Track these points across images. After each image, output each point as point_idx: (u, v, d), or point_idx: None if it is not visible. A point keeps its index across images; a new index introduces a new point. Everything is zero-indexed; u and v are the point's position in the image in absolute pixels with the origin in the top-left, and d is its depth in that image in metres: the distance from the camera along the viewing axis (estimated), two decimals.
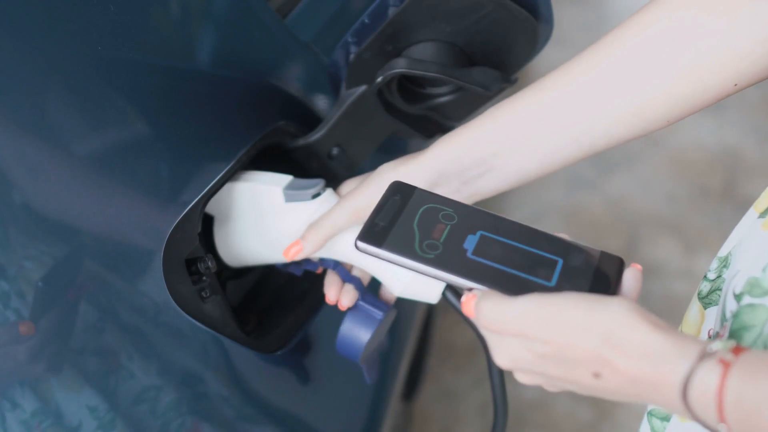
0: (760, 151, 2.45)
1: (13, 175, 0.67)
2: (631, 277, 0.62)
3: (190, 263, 0.79)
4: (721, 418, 0.52)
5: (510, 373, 0.63)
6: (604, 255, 0.64)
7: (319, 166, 0.92)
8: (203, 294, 0.79)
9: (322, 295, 0.85)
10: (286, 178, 0.85)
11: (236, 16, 0.87)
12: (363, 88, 0.88)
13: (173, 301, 0.76)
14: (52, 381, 0.69)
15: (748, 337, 0.60)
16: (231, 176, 0.83)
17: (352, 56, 0.86)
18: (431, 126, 0.94)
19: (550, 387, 0.62)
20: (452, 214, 0.66)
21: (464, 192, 0.79)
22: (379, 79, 0.85)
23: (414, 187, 0.69)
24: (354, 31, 0.85)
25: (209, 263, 0.80)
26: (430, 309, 1.50)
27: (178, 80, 0.80)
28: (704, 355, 0.53)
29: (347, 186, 0.86)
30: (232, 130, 0.84)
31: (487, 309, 0.60)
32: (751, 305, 0.61)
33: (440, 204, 0.67)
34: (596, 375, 0.57)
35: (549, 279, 0.62)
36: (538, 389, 0.65)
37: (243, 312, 0.90)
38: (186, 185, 0.78)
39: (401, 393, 1.26)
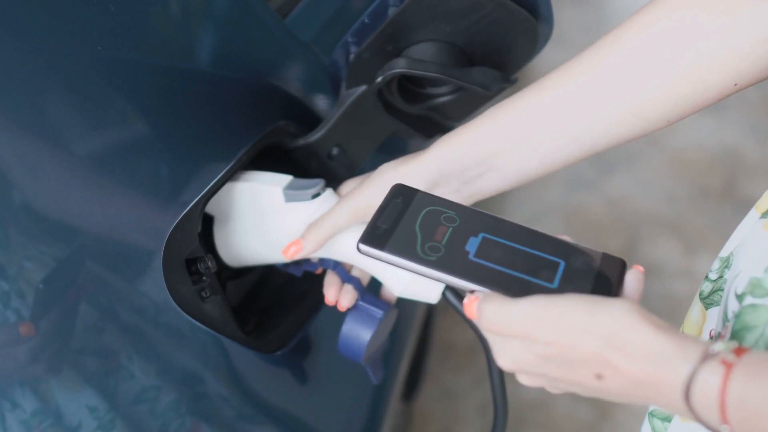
0: (760, 151, 2.45)
1: (13, 175, 0.67)
2: (633, 278, 0.62)
3: (190, 263, 0.79)
4: (724, 419, 0.52)
5: (512, 374, 0.63)
6: (606, 257, 0.64)
7: (319, 166, 0.92)
8: (203, 294, 0.79)
9: (322, 296, 0.85)
10: (286, 178, 0.85)
11: (236, 16, 0.87)
12: (363, 88, 0.88)
13: (173, 301, 0.76)
14: (52, 381, 0.69)
15: (750, 338, 0.60)
16: (231, 176, 0.83)
17: (352, 56, 0.86)
18: (431, 126, 0.94)
19: (553, 389, 0.62)
20: (454, 217, 0.66)
21: (464, 192, 0.79)
22: (379, 79, 0.85)
23: (416, 190, 0.69)
24: (354, 31, 0.85)
25: (209, 263, 0.80)
26: (430, 309, 1.50)
27: (178, 80, 0.80)
28: (706, 356, 0.53)
29: (347, 186, 0.86)
30: (232, 130, 0.84)
31: (489, 311, 0.60)
32: (753, 306, 0.61)
33: (442, 206, 0.67)
34: (599, 376, 0.57)
35: (551, 281, 0.62)
36: (539, 389, 0.65)
37: (243, 312, 0.90)
38: (186, 185, 0.78)
39: (401, 393, 1.26)
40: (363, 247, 0.65)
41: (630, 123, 0.72)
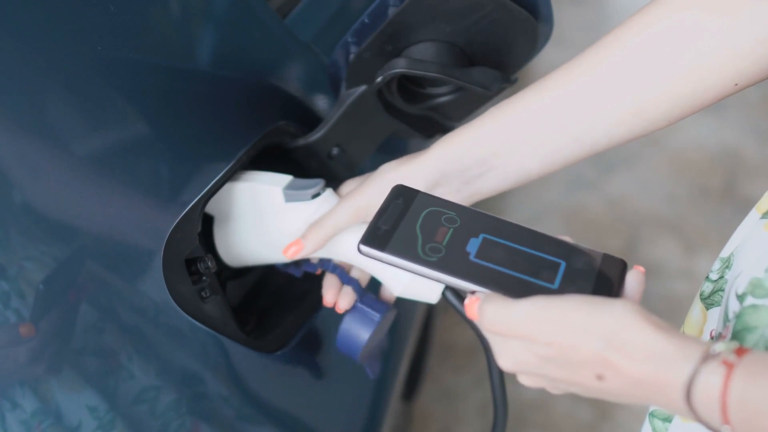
0: (760, 151, 2.45)
1: (13, 175, 0.67)
2: (633, 279, 0.62)
3: (190, 263, 0.79)
4: (725, 420, 0.52)
5: (512, 374, 0.63)
6: (607, 257, 0.64)
7: (319, 166, 0.92)
8: (203, 294, 0.79)
9: (322, 296, 0.85)
10: (286, 178, 0.85)
11: (236, 16, 0.87)
12: (363, 88, 0.88)
13: (173, 301, 0.76)
14: (52, 381, 0.69)
15: (750, 338, 0.61)
16: (231, 176, 0.83)
17: (352, 56, 0.86)
18: (431, 126, 0.94)
19: (554, 389, 0.62)
20: (455, 218, 0.66)
21: (465, 191, 0.79)
22: (379, 79, 0.85)
23: (416, 191, 0.69)
24: (354, 31, 0.85)
25: (209, 263, 0.80)
26: (430, 309, 1.50)
27: (178, 80, 0.80)
28: (707, 357, 0.53)
29: (348, 186, 0.86)
30: (232, 130, 0.84)
31: (490, 312, 0.60)
32: (753, 306, 0.61)
33: (442, 207, 0.67)
34: (599, 377, 0.57)
35: (552, 281, 0.62)
36: (539, 389, 0.65)
37: (243, 312, 0.90)
38: (186, 185, 0.78)
39: (401, 393, 1.26)
40: (363, 248, 0.65)
41: (630, 123, 0.72)
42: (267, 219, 0.85)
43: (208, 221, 0.89)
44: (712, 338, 0.69)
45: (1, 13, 0.67)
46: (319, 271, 0.89)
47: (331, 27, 0.93)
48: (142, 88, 0.76)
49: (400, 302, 0.88)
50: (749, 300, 0.62)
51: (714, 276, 0.71)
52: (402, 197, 0.68)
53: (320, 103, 0.96)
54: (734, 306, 0.64)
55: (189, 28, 0.84)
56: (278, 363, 0.88)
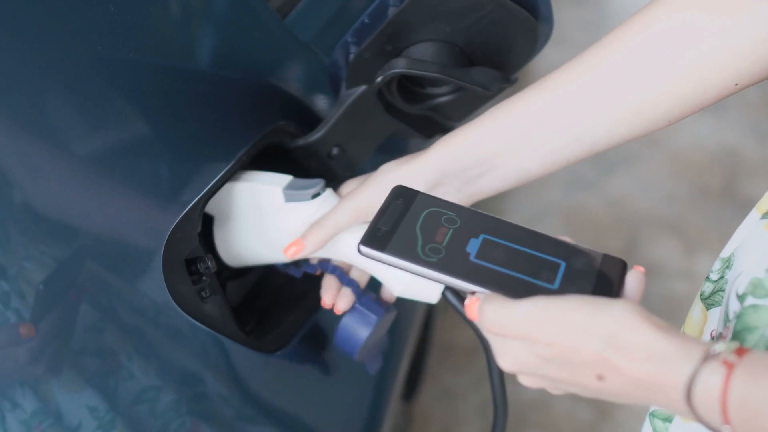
0: (760, 151, 2.45)
1: (13, 175, 0.67)
2: (633, 279, 0.62)
3: (190, 263, 0.79)
4: (725, 420, 0.52)
5: (513, 375, 0.63)
6: (607, 257, 0.64)
7: (319, 166, 0.92)
8: (203, 294, 0.79)
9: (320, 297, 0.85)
10: (286, 178, 0.85)
11: (236, 16, 0.86)
12: (363, 88, 0.88)
13: (173, 301, 0.76)
14: (52, 381, 0.69)
15: (751, 339, 0.61)
16: (231, 176, 0.83)
17: (352, 56, 0.86)
18: (431, 126, 0.94)
19: (554, 390, 0.62)
20: (455, 218, 0.66)
21: (466, 191, 0.79)
22: (379, 79, 0.85)
23: (416, 192, 0.69)
24: (354, 31, 0.85)
25: (209, 263, 0.80)
26: (430, 309, 1.50)
27: (178, 80, 0.80)
28: (708, 357, 0.53)
29: (348, 186, 0.86)
30: (232, 130, 0.84)
31: (490, 312, 0.60)
32: (754, 306, 0.61)
33: (442, 208, 0.67)
34: (600, 377, 0.57)
35: (552, 282, 0.62)
36: (539, 389, 0.65)
37: (243, 312, 0.90)
38: (186, 185, 0.78)
39: (401, 393, 1.26)
40: (363, 249, 0.65)
41: (631, 123, 0.72)
42: (267, 219, 0.85)
43: (208, 221, 0.89)
44: (712, 338, 0.69)
45: (1, 13, 0.67)
46: (318, 272, 0.89)
47: (331, 27, 0.93)
48: (142, 88, 0.76)
49: (400, 302, 0.88)
50: (750, 300, 0.62)
51: (714, 276, 0.71)
52: (402, 198, 0.68)
53: (320, 103, 0.96)
54: (735, 306, 0.64)
55: (189, 28, 0.84)
56: (278, 363, 0.88)
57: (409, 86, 0.91)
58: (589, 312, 0.57)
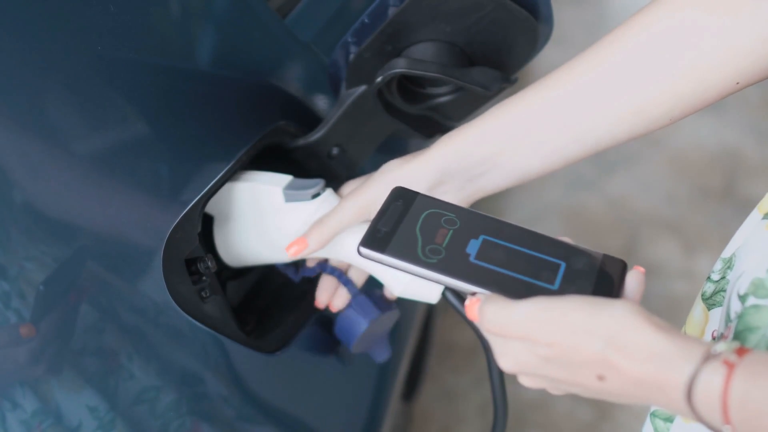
0: (760, 151, 2.45)
1: (14, 175, 0.67)
2: (633, 279, 0.62)
3: (190, 263, 0.79)
4: (726, 420, 0.52)
5: (513, 375, 0.63)
6: (607, 258, 0.64)
7: (319, 166, 0.92)
8: (203, 294, 0.79)
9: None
10: (286, 178, 0.85)
11: (236, 16, 0.86)
12: (363, 88, 0.88)
13: (173, 301, 0.76)
14: (52, 381, 0.69)
15: (752, 339, 0.61)
16: (231, 176, 0.82)
17: (352, 56, 0.86)
18: (431, 126, 0.94)
19: (554, 390, 0.62)
20: (454, 219, 0.67)
21: (467, 189, 0.79)
22: (379, 79, 0.85)
23: (416, 193, 0.69)
24: (354, 31, 0.85)
25: (209, 263, 0.80)
26: (430, 309, 1.50)
27: (178, 80, 0.80)
28: (708, 357, 0.53)
29: (349, 187, 0.87)
30: (232, 130, 0.84)
31: (490, 313, 0.60)
32: (755, 306, 0.61)
33: (442, 209, 0.67)
34: (600, 378, 0.57)
35: (552, 282, 0.62)
36: (539, 389, 0.65)
37: (243, 312, 0.90)
38: (186, 185, 0.78)
39: (401, 393, 1.26)
40: (363, 250, 0.65)
41: (632, 122, 0.72)
42: (267, 219, 0.85)
43: (208, 221, 0.89)
44: (713, 339, 0.69)
45: (1, 13, 0.67)
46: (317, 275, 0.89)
47: (331, 27, 0.93)
48: (142, 88, 0.76)
49: (400, 302, 0.88)
50: (751, 300, 0.62)
51: (716, 276, 0.71)
52: (401, 199, 0.68)
53: (320, 103, 0.96)
54: (736, 306, 0.64)
55: (189, 28, 0.84)
56: (278, 363, 0.88)
57: (409, 86, 0.91)
58: (589, 312, 0.57)
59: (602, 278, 0.62)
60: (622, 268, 0.63)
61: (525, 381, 0.63)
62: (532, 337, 0.59)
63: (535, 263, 0.63)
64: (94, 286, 0.71)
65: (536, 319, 0.58)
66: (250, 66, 0.88)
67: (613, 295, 0.61)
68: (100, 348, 0.71)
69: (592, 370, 0.57)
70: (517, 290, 0.61)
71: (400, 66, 0.84)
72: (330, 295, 0.87)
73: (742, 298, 0.63)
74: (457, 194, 0.79)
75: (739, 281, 0.64)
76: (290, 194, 0.84)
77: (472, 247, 0.64)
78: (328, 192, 0.85)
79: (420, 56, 0.85)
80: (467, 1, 0.82)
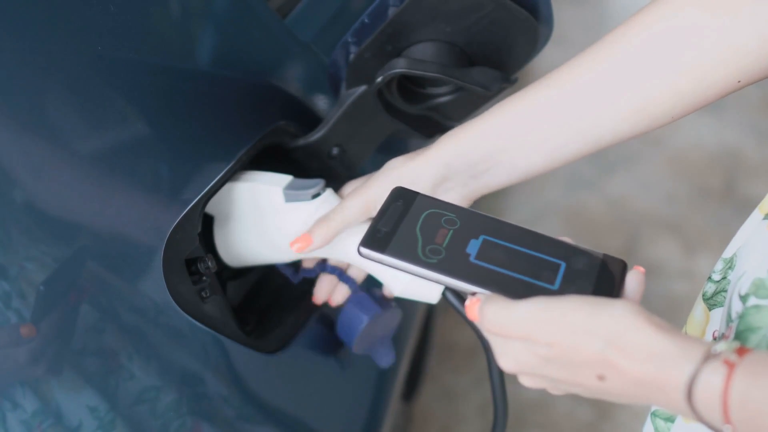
0: (760, 151, 2.45)
1: (14, 175, 0.67)
2: (634, 279, 0.62)
3: (190, 263, 0.79)
4: (726, 419, 0.52)
5: (513, 375, 0.63)
6: (607, 258, 0.64)
7: (319, 166, 0.92)
8: (203, 294, 0.79)
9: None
10: (286, 178, 0.85)
11: (236, 16, 0.86)
12: (363, 88, 0.88)
13: (173, 301, 0.76)
14: (52, 381, 0.69)
15: (753, 339, 0.61)
16: (231, 176, 0.82)
17: (352, 56, 0.86)
18: (431, 126, 0.94)
19: (555, 390, 0.62)
20: (454, 219, 0.67)
21: (471, 186, 0.79)
22: (379, 79, 0.85)
23: (416, 193, 0.69)
24: (354, 31, 0.85)
25: (209, 263, 0.80)
26: (430, 309, 1.50)
27: (178, 80, 0.80)
28: (708, 357, 0.53)
29: (350, 186, 0.87)
30: (232, 130, 0.84)
31: (490, 313, 0.60)
32: (756, 306, 0.62)
33: (442, 209, 0.68)
34: (601, 377, 0.57)
35: (552, 282, 0.62)
36: (539, 389, 0.65)
37: (243, 312, 0.90)
38: (186, 185, 0.78)
39: (401, 393, 1.26)
40: (364, 250, 0.65)
41: (634, 119, 0.73)
42: (267, 219, 0.85)
43: (208, 221, 0.89)
44: (714, 339, 0.69)
45: (1, 13, 0.67)
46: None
47: (331, 27, 0.93)
48: (142, 88, 0.76)
49: (400, 302, 0.88)
50: (752, 300, 0.62)
51: (717, 276, 0.71)
52: (402, 199, 0.68)
53: (320, 103, 0.96)
54: (737, 307, 0.64)
55: (189, 28, 0.84)
56: (278, 363, 0.88)
57: (409, 86, 0.91)
58: (589, 312, 0.57)
59: (602, 278, 0.62)
60: (623, 268, 0.63)
61: (525, 381, 0.63)
62: (532, 337, 0.59)
63: (535, 263, 0.63)
64: (94, 286, 0.71)
65: (536, 319, 0.58)
66: (250, 66, 0.88)
67: (614, 295, 0.61)
68: (100, 348, 0.71)
69: (592, 370, 0.57)
70: (517, 290, 0.61)
71: (400, 66, 0.84)
72: (329, 291, 0.87)
73: (743, 299, 0.63)
74: (461, 191, 0.80)
75: (741, 281, 0.64)
76: (290, 194, 0.84)
77: (473, 247, 0.64)
78: (328, 192, 0.85)
79: (420, 56, 0.85)
80: (467, 1, 0.82)
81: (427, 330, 1.60)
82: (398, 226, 0.66)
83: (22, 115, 0.67)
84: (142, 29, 0.78)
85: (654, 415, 0.73)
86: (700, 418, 0.54)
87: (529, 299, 0.59)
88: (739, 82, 0.69)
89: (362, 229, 0.75)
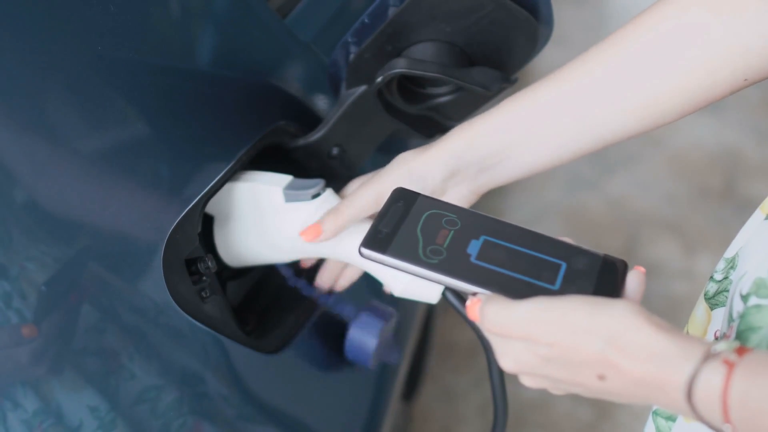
0: (760, 151, 2.45)
1: (15, 175, 0.67)
2: (634, 279, 0.62)
3: (190, 263, 0.79)
4: (726, 419, 0.52)
5: (513, 375, 0.63)
6: (608, 258, 0.64)
7: (319, 166, 0.92)
8: (203, 294, 0.79)
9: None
10: (286, 178, 0.85)
11: (236, 16, 0.87)
12: (363, 88, 0.88)
13: (173, 301, 0.76)
14: (53, 381, 0.69)
15: (754, 338, 0.61)
16: (231, 176, 0.83)
17: (352, 56, 0.86)
18: (431, 126, 0.95)
19: (555, 390, 0.62)
20: (455, 220, 0.67)
21: (481, 179, 0.80)
22: (379, 79, 0.85)
23: (417, 194, 0.69)
24: (354, 31, 0.85)
25: (209, 263, 0.80)
26: (430, 309, 1.50)
27: (178, 80, 0.80)
28: (708, 356, 0.53)
29: (354, 184, 0.87)
30: (232, 130, 0.84)
31: (491, 313, 0.60)
32: (757, 306, 0.62)
33: (443, 210, 0.68)
34: (601, 377, 0.57)
35: (553, 282, 0.62)
36: (539, 389, 0.65)
37: (243, 312, 0.90)
38: (186, 185, 0.78)
39: (401, 393, 1.26)
40: (365, 251, 0.65)
41: (642, 115, 0.74)
42: (267, 219, 0.85)
43: (208, 221, 0.89)
44: (716, 339, 0.70)
45: (1, 13, 0.67)
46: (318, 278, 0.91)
47: (331, 27, 0.93)
48: (142, 88, 0.76)
49: (400, 302, 0.88)
50: (753, 300, 0.62)
51: (718, 276, 0.72)
52: (402, 200, 0.69)
53: (320, 103, 0.96)
54: (738, 306, 0.64)
55: (189, 28, 0.84)
56: (278, 363, 0.88)
57: (409, 86, 0.91)
58: (589, 312, 0.57)
59: (603, 278, 0.62)
60: (623, 268, 0.63)
61: (526, 381, 0.63)
62: (532, 337, 0.59)
63: (535, 263, 0.63)
64: (94, 287, 0.71)
65: (537, 319, 0.58)
66: (250, 66, 0.88)
67: (614, 295, 0.61)
68: (100, 348, 0.71)
69: (592, 369, 0.57)
70: (518, 290, 0.61)
71: (400, 66, 0.84)
72: (334, 278, 0.88)
73: (745, 298, 0.63)
74: (470, 185, 0.80)
75: (742, 281, 0.65)
76: (290, 194, 0.84)
77: (473, 247, 0.64)
78: (328, 192, 0.85)
79: (420, 56, 0.85)
80: (467, 1, 0.82)
81: (427, 330, 1.60)
82: (399, 226, 0.66)
83: (23, 115, 0.67)
84: (142, 29, 0.78)
85: (655, 414, 0.73)
86: (700, 418, 0.54)
87: (529, 299, 0.60)
88: (745, 80, 0.70)
89: (363, 230, 0.75)
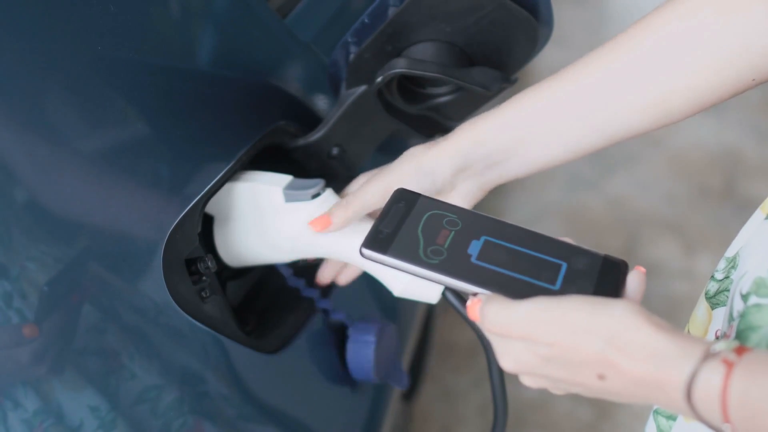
0: (760, 151, 2.45)
1: (15, 175, 0.67)
2: (634, 279, 0.62)
3: (190, 263, 0.79)
4: (726, 418, 0.52)
5: (513, 375, 0.63)
6: (608, 258, 0.64)
7: (319, 166, 0.92)
8: (203, 294, 0.79)
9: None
10: (286, 178, 0.85)
11: (236, 16, 0.87)
12: (363, 88, 0.88)
13: (173, 301, 0.76)
14: (53, 381, 0.69)
15: (754, 338, 0.61)
16: (231, 176, 0.83)
17: (352, 56, 0.86)
18: (431, 126, 0.95)
19: (555, 390, 0.62)
20: (456, 220, 0.67)
21: (488, 175, 0.80)
22: (379, 79, 0.85)
23: (418, 195, 0.69)
24: (354, 31, 0.85)
25: (209, 263, 0.80)
26: (430, 309, 1.50)
27: (178, 80, 0.80)
28: (708, 356, 0.54)
29: (358, 181, 0.87)
30: (232, 130, 0.84)
31: (491, 313, 0.60)
32: (757, 305, 0.62)
33: (444, 210, 0.68)
34: (601, 377, 0.57)
35: (553, 282, 0.62)
36: (539, 389, 0.65)
37: (243, 312, 0.90)
38: (186, 185, 0.78)
39: (401, 393, 1.26)
40: (366, 251, 0.65)
41: (649, 114, 0.74)
42: (267, 219, 0.85)
43: (208, 221, 0.89)
44: (717, 338, 0.70)
45: (1, 13, 0.67)
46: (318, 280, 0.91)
47: (331, 27, 0.93)
48: (142, 88, 0.76)
49: (401, 302, 0.88)
50: (753, 299, 0.62)
51: (719, 276, 0.72)
52: (403, 201, 0.69)
53: (320, 103, 0.96)
54: (739, 306, 0.64)
55: (189, 28, 0.84)
56: (279, 363, 0.88)
57: (409, 86, 0.91)
58: (590, 312, 0.57)
59: (603, 278, 0.62)
60: (623, 268, 0.63)
61: (526, 381, 0.63)
62: (533, 337, 0.59)
63: (536, 264, 0.63)
64: (94, 286, 0.71)
65: (537, 318, 0.58)
66: (250, 66, 0.88)
67: (615, 296, 0.61)
68: (101, 348, 0.71)
69: (592, 369, 0.57)
70: (518, 290, 0.61)
71: (400, 66, 0.84)
72: (335, 272, 0.88)
73: (745, 297, 0.63)
74: (478, 180, 0.80)
75: (742, 280, 0.65)
76: (290, 194, 0.84)
77: (474, 247, 0.65)
78: (328, 192, 0.85)
79: (420, 56, 0.85)
80: (467, 1, 0.82)
81: (427, 330, 1.60)
82: (400, 227, 0.66)
83: (23, 115, 0.67)
84: (142, 29, 0.78)
85: (656, 413, 0.73)
86: (699, 418, 0.54)
87: (530, 299, 0.60)
88: (753, 80, 0.70)
89: (362, 229, 0.75)
